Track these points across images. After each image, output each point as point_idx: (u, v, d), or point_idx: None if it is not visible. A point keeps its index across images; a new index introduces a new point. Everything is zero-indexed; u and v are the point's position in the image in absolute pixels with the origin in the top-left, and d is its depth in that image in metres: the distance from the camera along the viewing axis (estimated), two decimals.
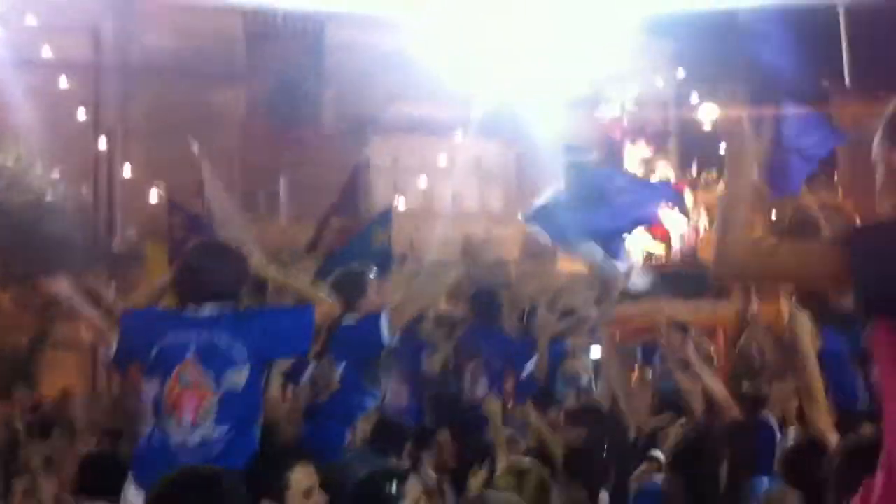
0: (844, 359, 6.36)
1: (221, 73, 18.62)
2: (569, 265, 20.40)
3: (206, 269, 3.92)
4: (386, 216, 10.58)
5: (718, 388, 4.91)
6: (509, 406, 6.50)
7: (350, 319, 4.73)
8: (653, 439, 5.25)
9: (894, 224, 2.28)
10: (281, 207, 14.23)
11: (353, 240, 9.92)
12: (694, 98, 21.56)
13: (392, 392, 5.65)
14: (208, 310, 3.84)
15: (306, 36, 16.02)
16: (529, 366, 6.57)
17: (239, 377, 3.75)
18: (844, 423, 4.32)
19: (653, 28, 22.65)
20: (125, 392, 7.08)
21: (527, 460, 4.22)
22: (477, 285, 7.96)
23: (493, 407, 4.98)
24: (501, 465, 4.33)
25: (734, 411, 4.79)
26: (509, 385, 6.74)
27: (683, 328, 7.65)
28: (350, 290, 4.83)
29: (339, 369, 4.62)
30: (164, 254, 9.67)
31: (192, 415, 3.73)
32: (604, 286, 7.14)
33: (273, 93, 17.78)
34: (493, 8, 18.82)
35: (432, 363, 6.53)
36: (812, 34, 21.31)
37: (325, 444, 4.40)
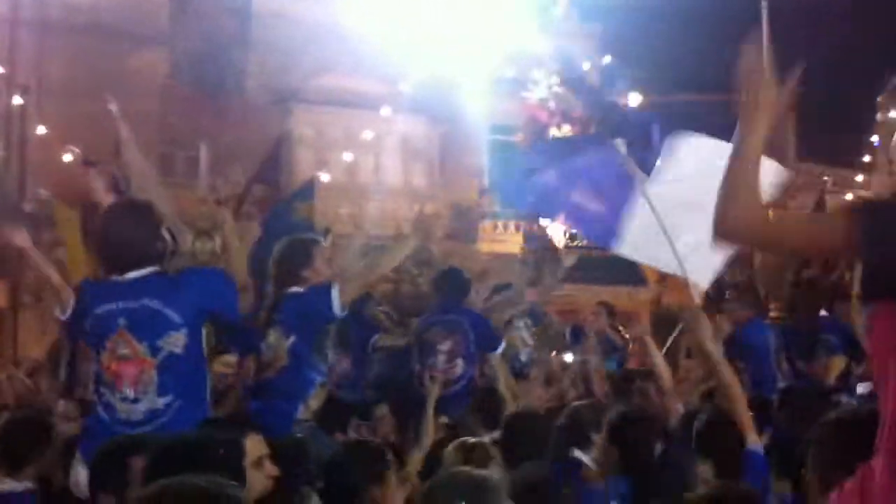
0: (768, 350, 6.54)
1: (143, 34, 18.12)
2: (488, 245, 20.56)
3: (122, 231, 3.78)
4: (308, 189, 10.46)
5: (665, 369, 5.03)
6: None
7: (297, 288, 4.56)
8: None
9: None
10: (200, 174, 13.89)
11: (275, 211, 9.80)
12: (619, 84, 21.78)
13: (337, 367, 5.56)
14: (133, 274, 3.71)
15: (233, 0, 15.68)
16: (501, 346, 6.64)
17: (176, 341, 3.64)
18: (761, 411, 4.46)
19: (582, 12, 22.83)
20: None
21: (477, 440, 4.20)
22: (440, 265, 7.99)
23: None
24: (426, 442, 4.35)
25: (675, 393, 4.91)
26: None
27: (610, 311, 7.81)
28: (297, 258, 4.64)
29: (288, 343, 4.43)
30: (76, 216, 9.40)
31: (132, 387, 3.61)
32: (537, 268, 7.28)
33: (196, 56, 17.38)
34: None
35: (384, 341, 6.54)
36: (734, 26, 21.70)
37: (276, 420, 4.20)
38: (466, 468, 2.92)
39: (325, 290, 4.45)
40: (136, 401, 3.61)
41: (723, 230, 2.20)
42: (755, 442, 3.89)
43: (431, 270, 9.11)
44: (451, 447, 4.02)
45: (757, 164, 2.23)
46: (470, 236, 20.69)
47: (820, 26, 21.42)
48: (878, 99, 21.86)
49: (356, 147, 20.48)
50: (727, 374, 4.14)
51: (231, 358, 5.30)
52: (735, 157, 2.25)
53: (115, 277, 3.77)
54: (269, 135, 13.53)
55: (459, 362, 6.46)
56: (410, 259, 8.19)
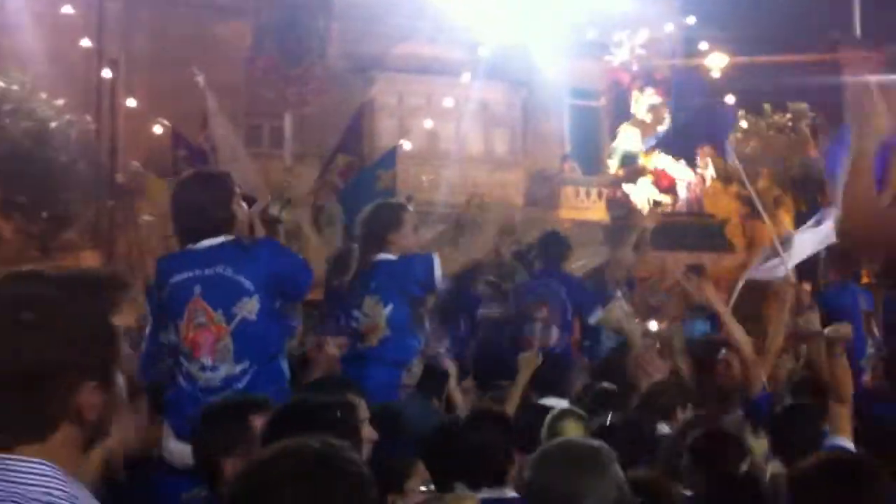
0: (855, 313, 6.43)
1: (227, 5, 18.38)
2: (570, 212, 20.44)
3: (195, 201, 3.81)
4: (390, 157, 10.55)
5: (745, 339, 5.00)
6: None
7: (387, 255, 4.54)
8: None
9: None
10: (285, 144, 14.10)
11: (358, 180, 9.93)
12: (703, 46, 21.30)
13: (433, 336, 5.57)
14: (207, 243, 3.74)
15: None
16: (597, 313, 6.51)
17: (250, 307, 3.69)
18: None
19: None
20: None
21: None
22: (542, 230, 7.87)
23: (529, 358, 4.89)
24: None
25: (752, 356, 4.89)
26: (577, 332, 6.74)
27: (701, 273, 7.71)
28: (386, 222, 4.60)
29: (387, 312, 4.42)
30: (165, 187, 9.64)
31: (211, 354, 3.67)
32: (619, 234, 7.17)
33: (278, 27, 17.54)
34: None
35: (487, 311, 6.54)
36: None
37: (380, 387, 4.20)
38: (579, 438, 2.92)
39: (428, 260, 4.50)
40: (214, 368, 3.67)
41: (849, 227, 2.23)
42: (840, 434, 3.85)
43: (513, 238, 9.10)
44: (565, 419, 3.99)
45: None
46: (551, 203, 20.59)
47: None
48: None
49: (437, 114, 20.50)
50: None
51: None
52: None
53: (189, 247, 3.81)
54: (352, 103, 13.62)
55: (554, 330, 6.39)
56: (493, 227, 8.20)
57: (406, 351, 4.48)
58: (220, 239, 3.75)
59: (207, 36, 17.93)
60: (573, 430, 3.82)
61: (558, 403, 4.60)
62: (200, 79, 11.67)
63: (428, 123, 20.12)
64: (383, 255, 4.53)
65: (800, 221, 11.48)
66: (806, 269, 10.43)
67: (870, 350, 6.28)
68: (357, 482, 1.73)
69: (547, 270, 6.69)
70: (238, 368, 3.66)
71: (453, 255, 7.98)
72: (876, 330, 6.35)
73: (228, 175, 4.03)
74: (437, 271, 4.48)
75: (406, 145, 15.06)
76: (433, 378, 4.66)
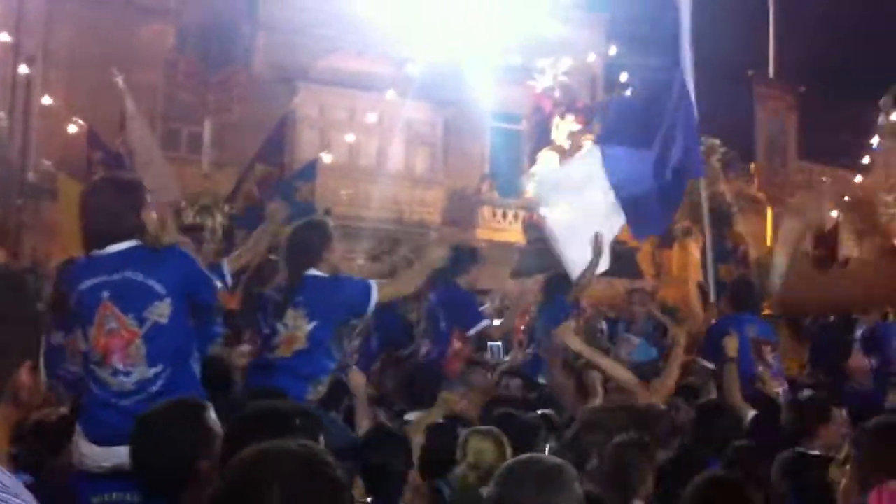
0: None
1: (151, 6, 18.14)
2: (487, 233, 20.65)
3: (104, 206, 3.77)
4: (310, 169, 10.55)
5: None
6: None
7: (316, 271, 4.56)
8: None
9: None
10: (203, 150, 13.94)
11: (277, 191, 9.86)
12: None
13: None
14: (114, 248, 3.72)
15: None
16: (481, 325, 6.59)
17: (161, 310, 3.68)
18: None
19: (589, 2, 22.82)
20: None
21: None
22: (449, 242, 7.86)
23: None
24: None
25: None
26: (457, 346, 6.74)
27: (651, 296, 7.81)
28: (317, 240, 4.63)
29: (309, 327, 4.43)
30: (79, 188, 9.42)
31: (123, 359, 3.65)
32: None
33: (203, 31, 17.38)
34: None
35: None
36: (742, 23, 21.74)
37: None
38: (543, 455, 2.98)
39: (366, 286, 4.54)
40: (127, 373, 3.64)
41: (785, 304, 2.37)
42: None
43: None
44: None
45: (802, 239, 2.39)
46: (469, 222, 20.77)
47: (824, 26, 21.45)
48: (880, 102, 21.89)
49: (360, 129, 20.52)
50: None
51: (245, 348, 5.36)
52: (785, 239, 2.43)
53: (96, 253, 3.76)
54: (274, 113, 13.56)
55: (425, 342, 6.48)
56: (408, 244, 8.24)
57: (318, 367, 4.48)
58: (128, 244, 3.73)
59: (129, 36, 17.64)
60: (485, 447, 3.87)
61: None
62: (120, 80, 11.51)
63: (350, 137, 20.13)
64: (313, 272, 4.55)
65: (707, 253, 11.80)
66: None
67: (761, 370, 6.52)
68: (339, 484, 1.79)
69: (437, 284, 6.68)
70: (151, 372, 3.65)
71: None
72: (770, 357, 6.57)
73: (141, 182, 4.02)
74: (373, 300, 4.52)
75: (327, 158, 15.02)
76: (334, 391, 4.70)
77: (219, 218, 9.16)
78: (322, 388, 4.48)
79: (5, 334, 1.59)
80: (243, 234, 8.74)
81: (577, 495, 2.57)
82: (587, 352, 5.15)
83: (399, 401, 5.20)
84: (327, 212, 9.16)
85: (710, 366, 6.37)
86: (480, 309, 7.06)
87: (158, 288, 3.68)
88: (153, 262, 3.72)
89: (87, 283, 3.71)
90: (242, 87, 13.56)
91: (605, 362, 5.18)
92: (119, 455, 3.36)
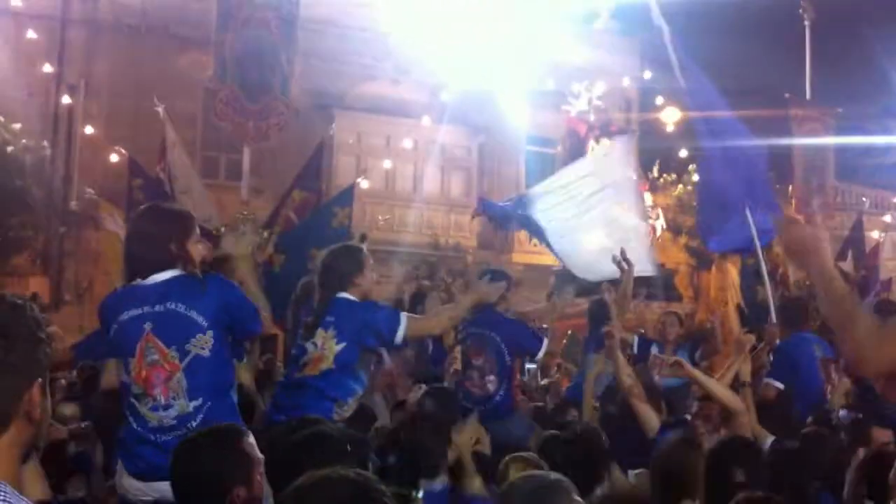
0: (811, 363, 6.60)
1: (190, 36, 18.40)
2: (522, 256, 20.64)
3: (149, 234, 3.75)
4: (347, 195, 10.62)
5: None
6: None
7: (347, 295, 4.58)
8: None
9: None
10: (242, 176, 14.07)
11: (313, 216, 9.98)
12: (658, 100, 21.77)
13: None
14: (157, 278, 3.66)
15: (282, 4, 15.87)
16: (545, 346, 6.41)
17: (203, 343, 3.64)
18: None
19: (623, 25, 22.86)
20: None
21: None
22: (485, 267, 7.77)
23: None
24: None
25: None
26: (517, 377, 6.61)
27: (680, 320, 7.74)
28: (349, 264, 4.66)
29: (338, 349, 4.44)
30: (121, 215, 9.59)
31: (164, 393, 3.61)
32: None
33: (242, 59, 17.61)
34: None
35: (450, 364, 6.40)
36: (778, 46, 21.68)
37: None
38: (539, 472, 3.01)
39: (395, 318, 4.54)
40: (167, 406, 3.60)
41: (866, 370, 2.39)
42: None
43: (463, 279, 9.19)
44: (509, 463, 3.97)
45: (843, 295, 2.39)
46: (504, 246, 20.77)
47: (860, 47, 21.32)
48: None
49: (396, 155, 20.66)
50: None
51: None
52: (826, 301, 2.43)
53: (137, 282, 3.71)
54: (311, 140, 13.69)
55: (492, 378, 6.14)
56: (444, 268, 8.26)
57: (344, 390, 4.49)
58: (170, 273, 3.68)
59: (168, 66, 17.91)
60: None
61: None
62: (161, 109, 11.72)
63: (386, 163, 20.27)
64: (344, 295, 4.58)
65: (745, 274, 11.73)
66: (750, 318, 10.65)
67: (828, 388, 6.38)
68: None
69: (479, 316, 6.14)
70: (192, 406, 3.60)
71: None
72: (835, 374, 6.44)
73: (188, 213, 3.98)
74: (401, 332, 4.50)
75: (363, 184, 15.14)
76: (362, 418, 4.69)
77: (258, 241, 9.25)
78: (346, 411, 4.49)
79: (16, 354, 1.64)
80: (281, 258, 8.85)
81: None
82: (700, 376, 4.99)
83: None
84: (363, 237, 9.23)
85: (780, 386, 6.27)
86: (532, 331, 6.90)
87: (200, 320, 3.64)
88: (195, 292, 3.68)
89: (129, 315, 3.67)
90: (280, 115, 13.66)
91: (711, 383, 4.96)
92: (160, 490, 3.40)
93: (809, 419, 5.35)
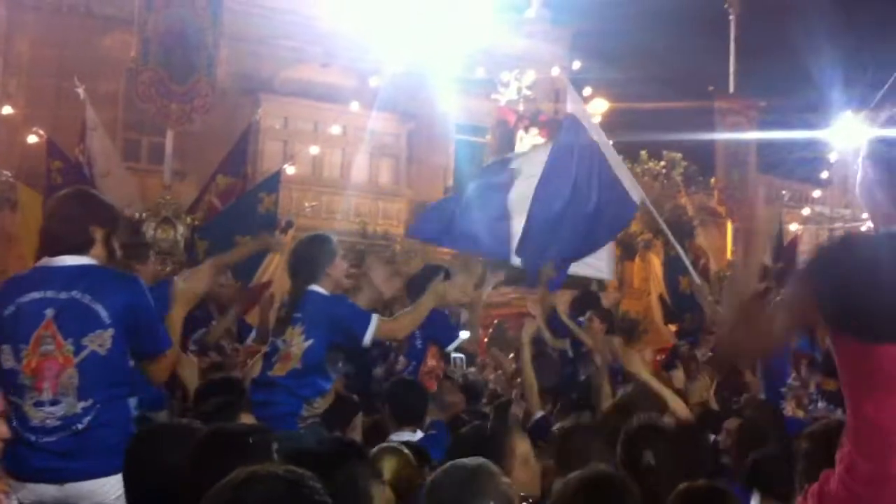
0: None
1: (114, 14, 17.96)
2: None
3: (66, 214, 3.54)
4: (273, 181, 10.48)
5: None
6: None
7: (319, 288, 4.45)
8: None
9: (845, 247, 2.42)
10: (165, 160, 13.75)
11: (239, 202, 9.82)
12: (587, 91, 21.93)
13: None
14: (70, 261, 3.44)
15: None
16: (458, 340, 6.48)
17: (102, 340, 3.39)
18: None
19: (554, 14, 22.99)
20: None
21: None
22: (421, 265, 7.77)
23: None
24: None
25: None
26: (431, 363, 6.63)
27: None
28: (323, 255, 4.52)
29: (306, 345, 4.32)
30: (39, 199, 9.30)
31: (53, 388, 3.35)
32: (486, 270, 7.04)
33: (167, 40, 17.24)
34: None
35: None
36: (704, 39, 22.02)
37: (279, 417, 4.13)
38: (460, 460, 2.99)
39: (365, 319, 4.44)
40: (54, 402, 3.33)
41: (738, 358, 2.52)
42: None
43: (392, 267, 9.13)
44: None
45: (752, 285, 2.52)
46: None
47: (785, 41, 21.79)
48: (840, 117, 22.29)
49: (324, 140, 20.47)
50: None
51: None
52: (735, 286, 2.59)
53: (46, 262, 3.47)
54: (237, 124, 13.48)
55: (402, 359, 6.30)
56: (373, 256, 8.19)
57: (313, 388, 4.38)
58: (83, 260, 3.46)
59: (91, 46, 17.46)
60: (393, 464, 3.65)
61: (413, 438, 4.55)
62: (81, 90, 11.39)
63: (314, 149, 20.07)
64: (315, 287, 4.45)
65: (669, 265, 11.90)
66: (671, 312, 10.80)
67: (794, 383, 6.48)
68: None
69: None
70: (80, 406, 3.35)
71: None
72: (805, 371, 6.55)
73: (111, 204, 3.76)
74: (370, 333, 4.41)
75: (290, 170, 14.96)
76: (340, 409, 4.60)
77: (180, 229, 9.07)
78: (317, 407, 4.37)
79: None
80: (205, 245, 8.68)
81: (501, 492, 2.62)
82: (653, 382, 5.00)
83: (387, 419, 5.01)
84: (290, 224, 9.11)
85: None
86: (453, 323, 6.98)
87: (104, 315, 3.40)
88: (106, 285, 3.46)
89: (30, 297, 3.41)
90: (205, 98, 13.41)
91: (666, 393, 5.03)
92: (41, 492, 3.28)
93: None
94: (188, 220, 9.24)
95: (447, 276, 6.57)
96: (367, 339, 4.43)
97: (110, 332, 3.41)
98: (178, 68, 16.55)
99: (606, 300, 16.76)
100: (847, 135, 23.25)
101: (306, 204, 18.27)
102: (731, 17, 21.99)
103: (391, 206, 20.86)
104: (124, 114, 18.05)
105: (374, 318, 4.46)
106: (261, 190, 10.04)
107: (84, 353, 3.38)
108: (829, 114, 22.75)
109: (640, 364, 4.91)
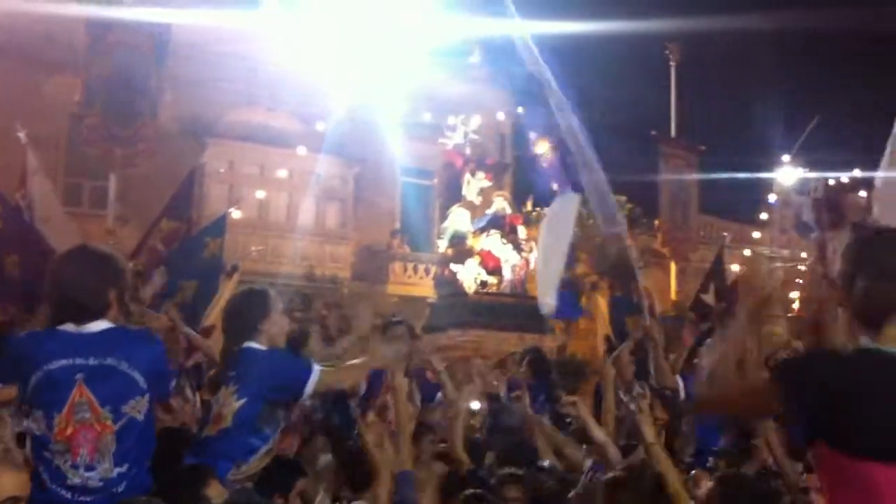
0: None
1: (57, 60, 17.81)
2: (397, 288, 20.62)
3: (87, 280, 3.45)
4: (219, 225, 10.37)
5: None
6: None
7: (255, 344, 4.25)
8: None
9: (817, 357, 2.47)
10: (108, 205, 13.61)
11: (184, 246, 9.69)
12: (532, 135, 22.21)
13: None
14: (94, 327, 3.39)
15: (153, 30, 15.52)
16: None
17: (140, 406, 3.38)
18: None
19: (495, 62, 23.29)
20: None
21: None
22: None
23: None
24: None
25: None
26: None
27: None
28: (256, 310, 4.31)
29: (238, 405, 4.11)
30: None
31: (91, 454, 3.31)
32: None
33: (110, 85, 17.12)
34: (344, 26, 18.87)
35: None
36: (646, 86, 22.47)
37: None
38: None
39: (306, 371, 4.23)
40: (90, 468, 3.29)
41: (705, 409, 2.60)
42: None
43: (340, 311, 9.08)
44: None
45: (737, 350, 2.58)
46: (380, 277, 20.72)
47: (724, 86, 22.32)
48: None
49: (270, 184, 20.41)
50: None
51: None
52: (721, 351, 2.59)
53: (69, 328, 3.41)
54: (182, 168, 13.38)
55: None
56: (319, 300, 8.15)
57: (242, 448, 4.15)
58: (105, 324, 3.42)
59: (34, 89, 17.28)
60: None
61: None
62: (22, 135, 11.23)
63: (260, 193, 19.99)
64: (251, 344, 4.26)
65: (615, 306, 12.00)
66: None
67: None
68: None
69: None
70: (116, 472, 3.32)
71: None
72: None
73: (119, 259, 3.68)
74: (311, 386, 4.21)
75: (236, 214, 14.87)
76: (280, 474, 4.43)
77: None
78: (246, 467, 4.12)
79: None
80: (149, 291, 8.55)
81: None
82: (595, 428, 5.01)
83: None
84: (234, 268, 9.03)
85: None
86: None
87: (140, 381, 3.39)
88: (137, 350, 3.44)
89: (59, 363, 3.34)
90: (149, 142, 13.34)
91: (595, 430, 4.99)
92: None
93: None
94: (131, 265, 9.10)
95: (410, 329, 6.52)
96: (308, 391, 4.26)
97: (147, 397, 3.43)
98: (122, 112, 16.46)
99: (553, 342, 16.86)
100: (785, 176, 23.80)
101: (252, 248, 18.18)
102: (672, 64, 22.53)
103: (338, 250, 20.81)
104: (66, 157, 17.84)
105: (316, 369, 4.27)
106: (206, 234, 9.93)
107: (124, 421, 3.36)
108: (769, 156, 23.30)
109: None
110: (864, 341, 2.32)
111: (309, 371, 4.25)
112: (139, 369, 3.40)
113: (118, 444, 3.34)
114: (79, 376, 3.34)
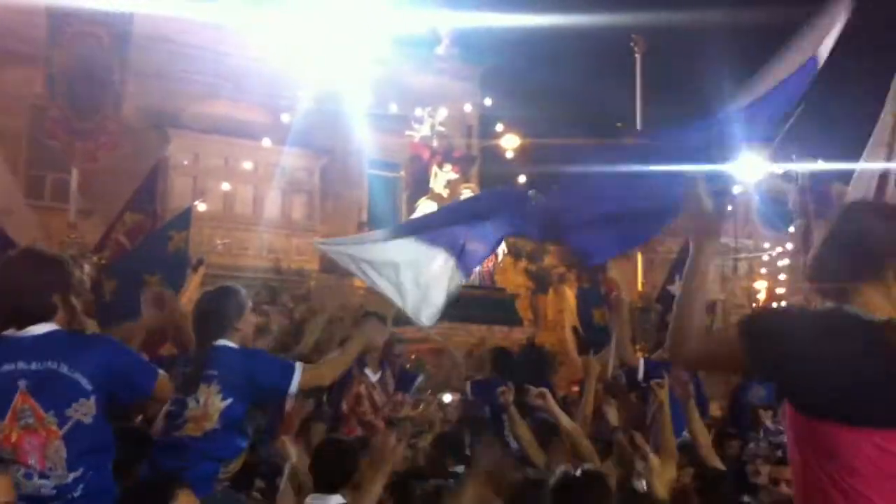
0: None
1: (18, 51, 17.53)
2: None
3: (29, 284, 3.40)
4: (184, 218, 10.29)
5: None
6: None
7: (228, 342, 4.26)
8: None
9: (784, 314, 2.49)
10: (70, 198, 13.41)
11: (149, 240, 9.60)
12: (499, 126, 22.22)
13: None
14: (35, 330, 3.35)
15: (114, 20, 15.31)
16: None
17: (86, 409, 3.33)
18: None
19: (463, 54, 23.29)
20: None
21: None
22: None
23: None
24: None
25: None
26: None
27: None
28: (231, 308, 4.32)
29: (223, 405, 4.08)
30: None
31: (41, 462, 3.27)
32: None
33: (72, 77, 16.89)
34: (310, 16, 18.73)
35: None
36: (611, 77, 22.54)
37: (197, 481, 3.77)
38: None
39: (288, 369, 4.28)
40: (43, 475, 3.25)
41: (681, 360, 2.62)
42: None
43: (306, 303, 9.04)
44: None
45: (705, 289, 2.51)
46: (347, 270, 20.64)
47: (690, 78, 22.44)
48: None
49: (235, 177, 20.24)
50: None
51: None
52: (690, 284, 2.53)
53: (11, 333, 3.38)
54: (145, 160, 13.24)
55: None
56: (286, 293, 8.10)
57: (230, 448, 4.17)
58: (47, 327, 3.38)
59: None
60: None
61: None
62: None
63: (225, 186, 19.81)
64: (224, 342, 4.26)
65: (582, 297, 12.05)
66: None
67: (760, 444, 6.57)
68: None
69: None
70: (71, 476, 3.28)
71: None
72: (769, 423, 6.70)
73: (66, 259, 3.66)
74: (295, 385, 4.24)
75: (201, 206, 14.73)
76: (246, 472, 4.40)
77: (86, 269, 8.82)
78: (233, 467, 4.17)
79: None
80: (113, 285, 8.45)
81: None
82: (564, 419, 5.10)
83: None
84: (200, 261, 8.95)
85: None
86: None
87: (84, 383, 3.33)
88: (81, 352, 3.38)
89: (2, 369, 3.31)
90: (111, 134, 13.17)
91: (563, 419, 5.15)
92: None
93: None
94: (95, 259, 8.99)
95: (382, 320, 6.55)
96: (293, 390, 4.28)
97: (93, 399, 3.36)
98: (84, 105, 16.23)
99: (522, 334, 16.90)
100: (749, 168, 23.98)
101: (218, 241, 18.01)
102: (637, 56, 22.59)
103: (305, 242, 20.66)
104: (27, 151, 17.58)
105: (298, 367, 4.30)
106: (171, 227, 9.83)
107: (69, 425, 3.32)
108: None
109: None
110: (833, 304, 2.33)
111: (292, 369, 4.27)
112: (82, 371, 3.34)
113: (69, 449, 3.30)
114: (21, 382, 3.30)
